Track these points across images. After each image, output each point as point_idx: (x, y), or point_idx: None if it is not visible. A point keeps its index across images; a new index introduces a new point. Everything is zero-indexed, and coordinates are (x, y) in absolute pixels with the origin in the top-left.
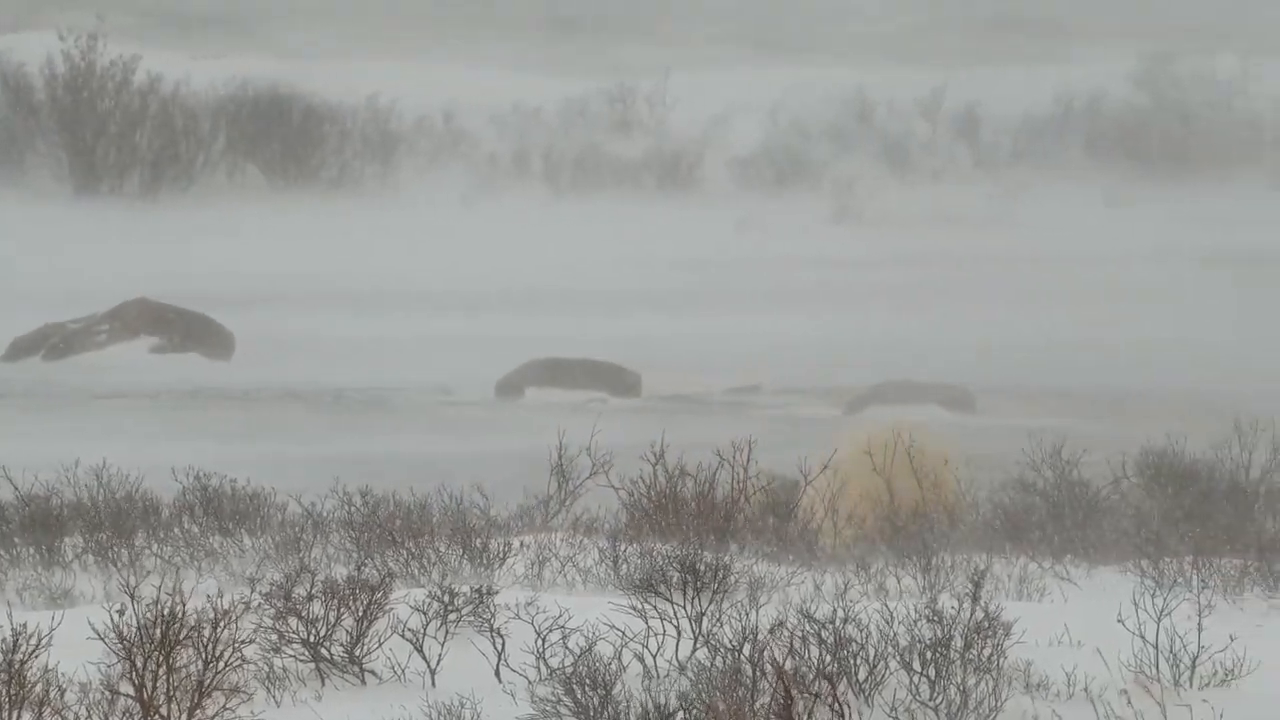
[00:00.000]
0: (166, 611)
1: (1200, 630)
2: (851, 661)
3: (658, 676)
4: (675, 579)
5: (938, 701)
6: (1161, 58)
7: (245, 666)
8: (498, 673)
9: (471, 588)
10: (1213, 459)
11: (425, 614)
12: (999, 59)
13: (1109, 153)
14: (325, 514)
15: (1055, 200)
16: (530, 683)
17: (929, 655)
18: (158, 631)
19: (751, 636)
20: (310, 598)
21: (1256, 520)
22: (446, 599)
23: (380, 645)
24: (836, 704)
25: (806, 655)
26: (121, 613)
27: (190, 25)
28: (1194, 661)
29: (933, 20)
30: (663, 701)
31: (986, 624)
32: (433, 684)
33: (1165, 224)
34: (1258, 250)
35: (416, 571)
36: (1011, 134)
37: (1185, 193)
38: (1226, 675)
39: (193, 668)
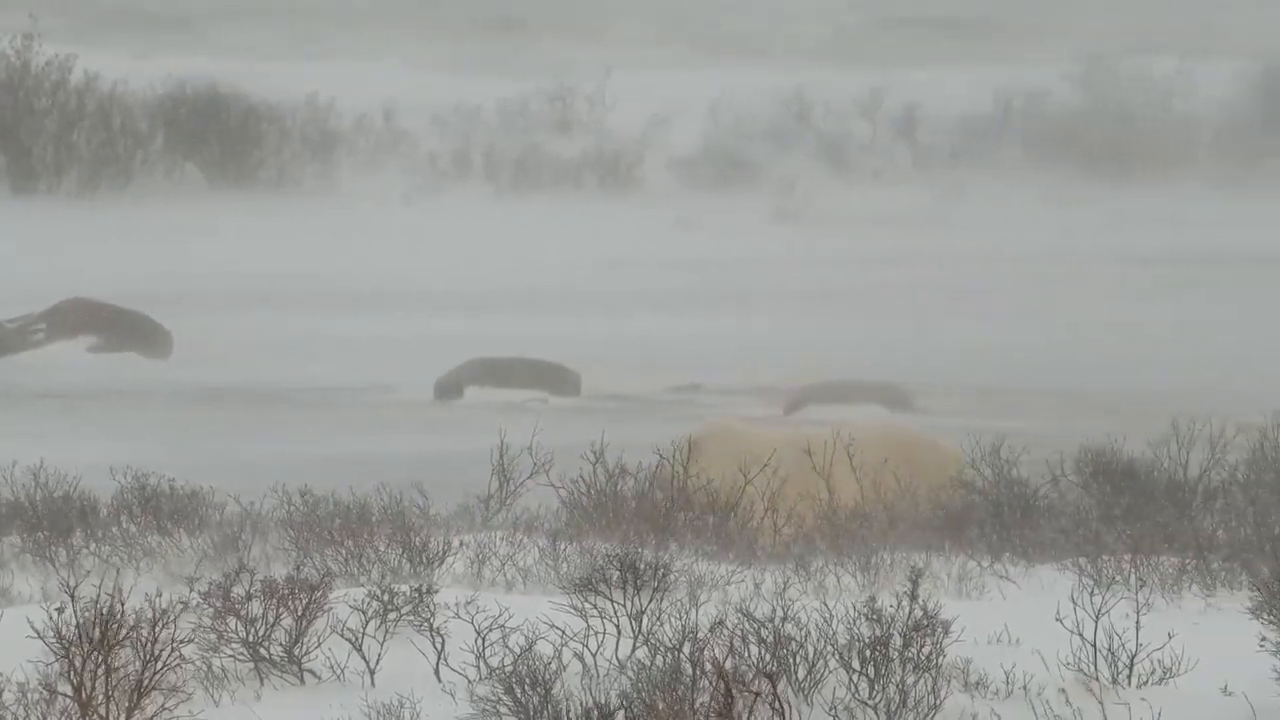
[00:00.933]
0: (105, 611)
1: (1138, 628)
2: (791, 660)
3: (598, 675)
4: (615, 578)
5: (877, 700)
6: (1100, 58)
7: (184, 666)
8: (437, 672)
9: (411, 587)
10: (1151, 458)
11: (364, 613)
12: (938, 60)
13: (1047, 153)
14: (264, 513)
15: (994, 200)
16: (470, 682)
17: (868, 654)
18: (96, 631)
19: (691, 635)
20: (249, 597)
21: (1194, 519)
22: (386, 598)
23: (319, 645)
24: (777, 702)
25: (746, 654)
26: (60, 612)
27: (128, 25)
28: (1132, 660)
29: (871, 20)
30: (603, 700)
31: (925, 622)
32: (372, 683)
33: (1103, 224)
34: (1195, 250)
35: (356, 571)
36: (950, 134)
37: (1124, 193)
38: (1164, 674)
39: (131, 667)
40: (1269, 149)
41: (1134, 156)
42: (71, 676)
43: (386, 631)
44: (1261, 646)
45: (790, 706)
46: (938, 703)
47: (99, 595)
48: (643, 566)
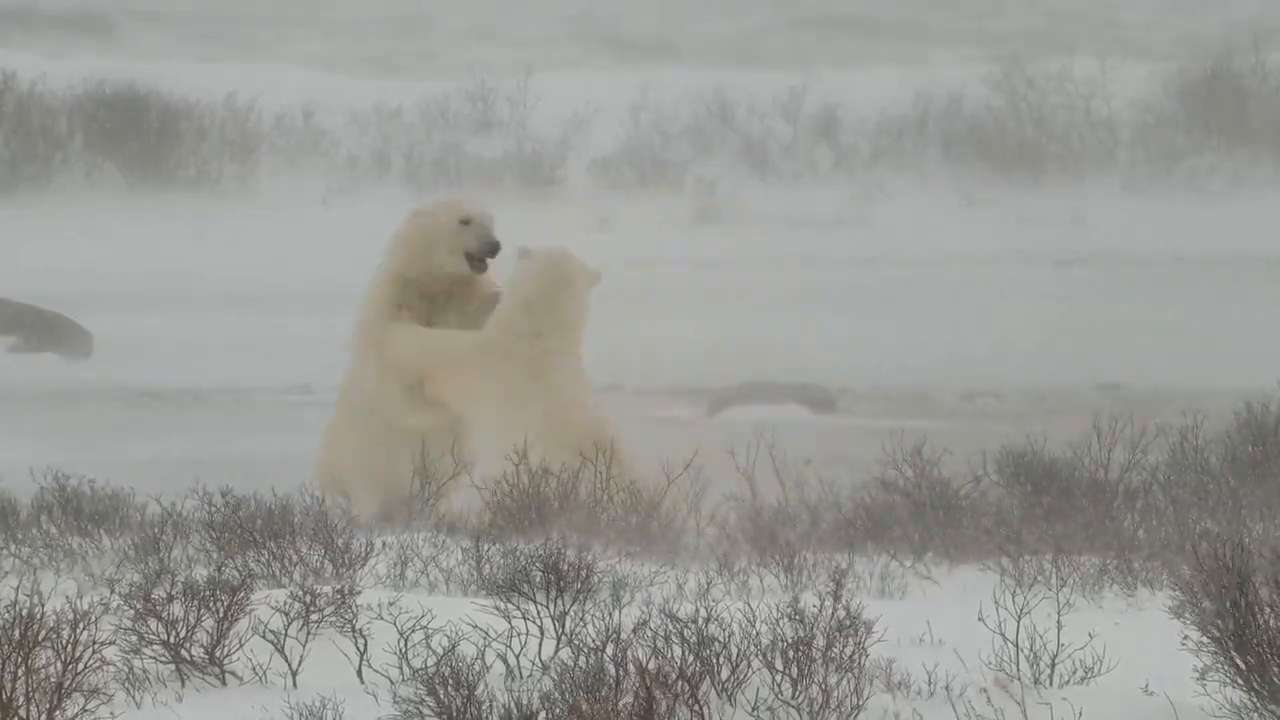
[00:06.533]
0: (25, 612)
1: (1060, 628)
2: (714, 661)
3: (521, 677)
4: (538, 579)
5: (800, 700)
6: (1018, 59)
7: (105, 668)
8: (360, 673)
9: (333, 588)
10: (1072, 458)
11: (286, 615)
12: (858, 60)
13: (966, 154)
14: (185, 514)
15: (913, 201)
16: (393, 683)
17: (791, 654)
18: (16, 632)
19: (614, 636)
20: (170, 599)
21: (1115, 519)
22: (308, 599)
23: (241, 646)
24: (698, 704)
25: (669, 655)
26: None
27: (45, 24)
28: (1054, 660)
29: (790, 20)
30: (525, 701)
31: (848, 622)
32: (294, 685)
33: (1020, 225)
34: (1112, 252)
35: (278, 572)
36: (871, 136)
37: (1041, 194)
38: (1086, 673)
39: (52, 669)
40: (1186, 150)
41: (1051, 158)
42: None
43: (309, 633)
44: (1183, 646)
45: (713, 707)
46: (861, 703)
47: (18, 596)
48: (566, 567)
